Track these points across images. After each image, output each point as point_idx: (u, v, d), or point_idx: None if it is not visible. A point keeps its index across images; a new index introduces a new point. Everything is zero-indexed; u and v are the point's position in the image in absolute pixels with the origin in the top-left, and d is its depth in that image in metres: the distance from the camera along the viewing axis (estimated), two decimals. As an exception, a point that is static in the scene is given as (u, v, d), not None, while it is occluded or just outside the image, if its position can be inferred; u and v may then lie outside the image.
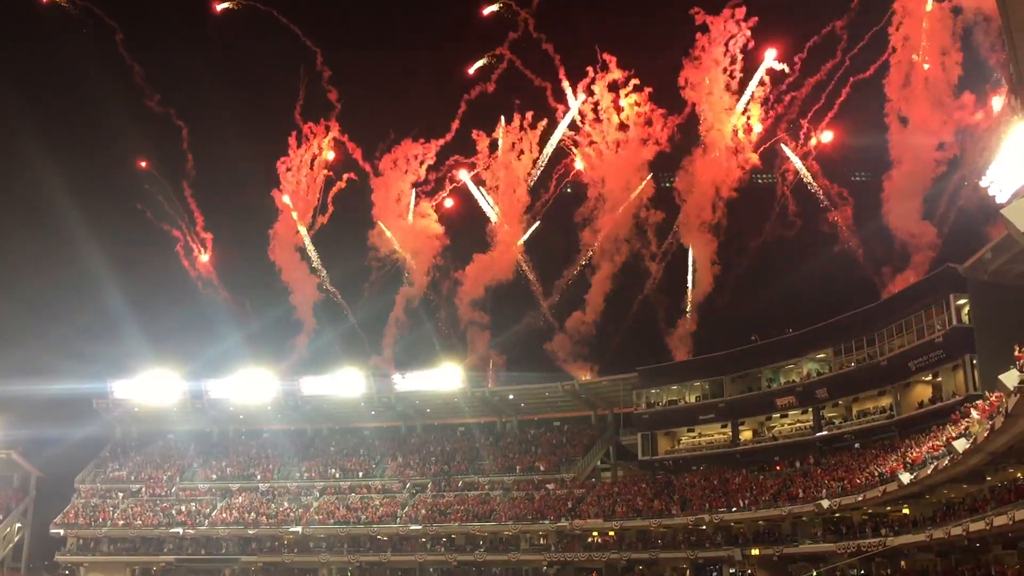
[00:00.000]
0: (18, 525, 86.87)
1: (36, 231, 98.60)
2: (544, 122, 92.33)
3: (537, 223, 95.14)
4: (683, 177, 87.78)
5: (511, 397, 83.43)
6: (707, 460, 72.11)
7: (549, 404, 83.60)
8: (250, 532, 78.06)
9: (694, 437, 73.75)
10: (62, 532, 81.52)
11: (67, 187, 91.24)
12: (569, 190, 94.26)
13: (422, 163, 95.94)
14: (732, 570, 62.70)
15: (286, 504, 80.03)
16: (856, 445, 62.48)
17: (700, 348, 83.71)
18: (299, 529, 76.79)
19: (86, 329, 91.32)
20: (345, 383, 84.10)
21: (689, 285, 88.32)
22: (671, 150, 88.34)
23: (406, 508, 76.94)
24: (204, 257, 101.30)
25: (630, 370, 77.34)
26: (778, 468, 66.77)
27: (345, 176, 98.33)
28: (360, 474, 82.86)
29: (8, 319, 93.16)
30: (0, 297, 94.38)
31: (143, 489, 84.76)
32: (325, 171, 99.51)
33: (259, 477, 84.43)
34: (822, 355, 66.15)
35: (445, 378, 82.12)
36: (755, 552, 60.99)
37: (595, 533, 69.98)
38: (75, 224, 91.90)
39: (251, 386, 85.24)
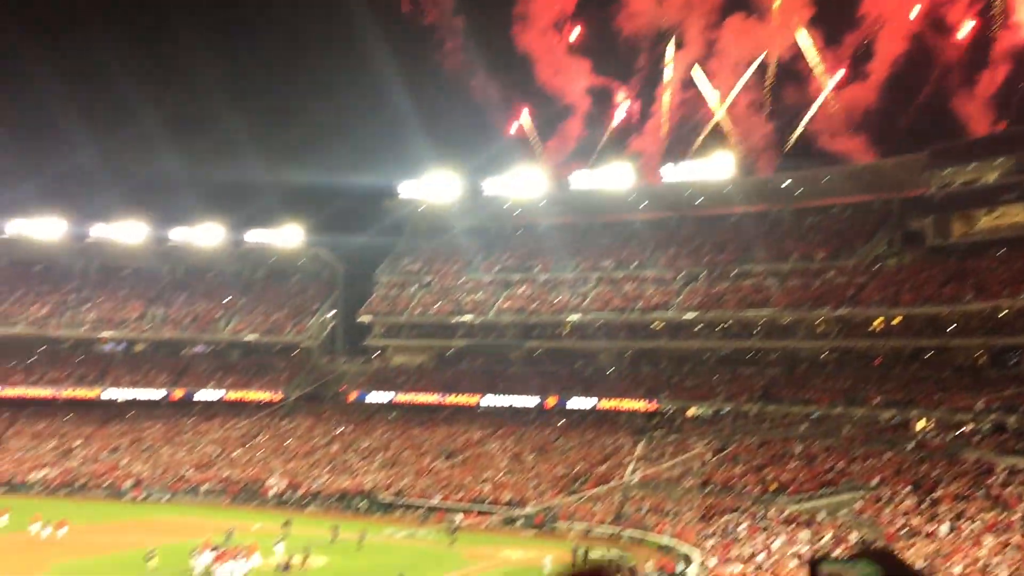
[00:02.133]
0: (332, 313, 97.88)
1: (331, 41, 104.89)
2: None
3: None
4: None
5: (786, 184, 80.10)
6: (1008, 243, 66.35)
7: (827, 190, 79.46)
8: (531, 320, 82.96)
9: (994, 218, 67.84)
10: (368, 320, 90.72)
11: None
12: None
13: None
14: (1034, 358, 58.84)
15: (563, 294, 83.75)
16: None
17: (1003, 120, 75.36)
18: (577, 317, 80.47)
19: (375, 132, 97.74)
20: (614, 176, 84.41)
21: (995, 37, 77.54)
22: None
23: (680, 297, 78.01)
24: (459, 47, 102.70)
25: (919, 149, 71.39)
26: (1094, 250, 60.39)
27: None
28: (633, 265, 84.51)
29: (313, 127, 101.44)
30: (304, 107, 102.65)
31: (434, 281, 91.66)
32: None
33: (537, 269, 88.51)
34: None
35: (716, 167, 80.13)
36: (1062, 339, 56.63)
37: (878, 320, 67.69)
38: (361, 28, 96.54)
39: (524, 182, 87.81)
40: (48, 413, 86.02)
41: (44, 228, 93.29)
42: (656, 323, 77.84)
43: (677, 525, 54.64)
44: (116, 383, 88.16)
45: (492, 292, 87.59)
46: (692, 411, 72.56)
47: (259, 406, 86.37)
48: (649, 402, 73.17)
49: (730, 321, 74.67)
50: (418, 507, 64.41)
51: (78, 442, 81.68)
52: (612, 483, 63.41)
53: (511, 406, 78.75)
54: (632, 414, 74.51)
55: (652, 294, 79.63)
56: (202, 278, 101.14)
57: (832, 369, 69.27)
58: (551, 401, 76.98)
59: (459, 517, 59.83)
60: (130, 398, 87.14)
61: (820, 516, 50.62)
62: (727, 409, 70.78)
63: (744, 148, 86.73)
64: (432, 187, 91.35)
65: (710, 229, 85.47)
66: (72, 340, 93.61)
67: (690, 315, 75.55)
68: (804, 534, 46.87)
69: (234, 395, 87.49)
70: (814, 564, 1.84)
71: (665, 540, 53.24)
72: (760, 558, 41.84)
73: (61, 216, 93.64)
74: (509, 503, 63.48)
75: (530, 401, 77.79)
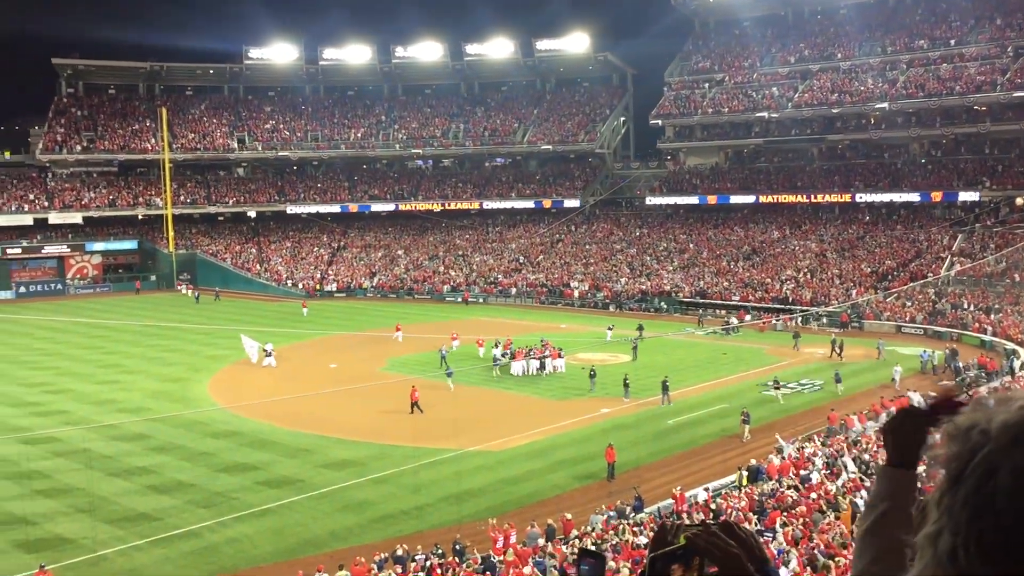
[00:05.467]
0: (623, 119, 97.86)
1: None
2: None
3: None
4: None
5: None
6: None
7: None
8: (834, 111, 77.98)
9: None
10: (660, 123, 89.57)
11: None
12: None
13: None
14: None
15: (870, 81, 77.51)
16: None
17: None
18: (885, 105, 74.53)
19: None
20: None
21: None
22: None
23: (1008, 74, 69.58)
24: None
25: None
26: None
27: None
28: (952, 42, 76.01)
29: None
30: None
31: (726, 77, 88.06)
32: None
33: (839, 56, 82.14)
34: None
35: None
36: None
37: None
38: None
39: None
40: (373, 226, 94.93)
41: (353, 54, 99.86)
42: (979, 105, 70.44)
43: (1001, 322, 51.25)
44: (428, 196, 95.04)
45: (789, 85, 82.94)
46: (1020, 200, 66.10)
47: (558, 212, 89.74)
48: (969, 192, 67.53)
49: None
50: (717, 307, 65.02)
51: (400, 251, 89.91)
52: (926, 279, 60.18)
53: (812, 202, 75.94)
54: (949, 206, 69.43)
55: (974, 73, 71.62)
56: (496, 92, 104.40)
57: None
58: (854, 197, 73.27)
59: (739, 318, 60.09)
60: (441, 209, 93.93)
61: None
62: (1064, 197, 63.87)
63: None
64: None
65: (1048, -7, 74.39)
66: (387, 159, 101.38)
67: (1020, 94, 67.44)
68: None
69: (533, 203, 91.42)
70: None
71: (986, 337, 50.29)
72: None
73: (366, 42, 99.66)
74: (812, 302, 62.41)
75: (832, 198, 74.46)
